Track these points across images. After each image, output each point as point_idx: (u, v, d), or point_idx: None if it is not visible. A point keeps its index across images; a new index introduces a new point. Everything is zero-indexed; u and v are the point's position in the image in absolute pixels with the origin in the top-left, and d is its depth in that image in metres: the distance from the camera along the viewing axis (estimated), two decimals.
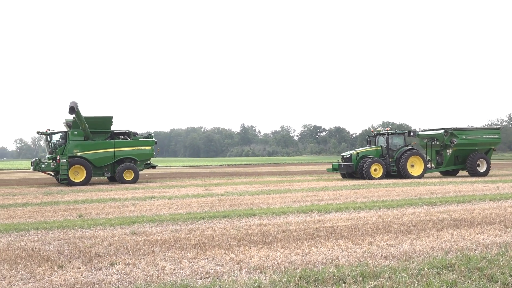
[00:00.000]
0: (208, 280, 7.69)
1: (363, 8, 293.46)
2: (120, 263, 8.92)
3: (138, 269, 8.47)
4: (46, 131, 32.59)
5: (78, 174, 31.58)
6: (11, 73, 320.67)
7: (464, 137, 34.87)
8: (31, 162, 32.97)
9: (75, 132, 32.20)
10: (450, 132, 34.74)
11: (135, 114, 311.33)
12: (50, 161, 31.65)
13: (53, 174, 32.63)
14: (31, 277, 8.13)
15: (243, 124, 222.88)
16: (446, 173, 36.80)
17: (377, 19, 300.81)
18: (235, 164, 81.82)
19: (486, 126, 37.98)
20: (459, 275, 7.59)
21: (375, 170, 32.63)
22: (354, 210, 16.07)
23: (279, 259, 8.98)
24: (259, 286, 7.21)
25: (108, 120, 33.31)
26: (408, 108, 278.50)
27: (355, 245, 10.22)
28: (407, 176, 32.94)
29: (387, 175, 33.52)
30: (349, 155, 34.13)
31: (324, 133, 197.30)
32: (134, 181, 32.76)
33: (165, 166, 77.57)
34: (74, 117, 31.42)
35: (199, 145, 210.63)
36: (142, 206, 18.41)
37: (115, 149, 32.98)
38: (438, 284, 7.17)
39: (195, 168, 71.71)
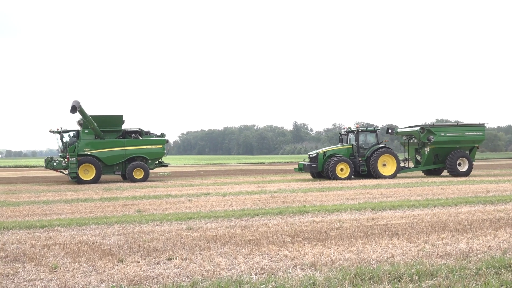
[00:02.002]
0: (263, 276, 7.81)
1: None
2: (177, 258, 9.15)
3: (194, 264, 8.68)
4: (57, 130, 32.97)
5: (88, 172, 31.75)
6: (32, 73, 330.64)
7: (442, 134, 32.95)
8: (44, 160, 33.73)
9: (86, 131, 32.46)
10: (427, 129, 32.93)
11: (190, 113, 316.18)
12: (62, 159, 32.03)
13: (66, 172, 32.70)
14: (93, 270, 8.46)
15: (295, 122, 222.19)
16: (429, 172, 34.76)
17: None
18: (287, 162, 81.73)
19: (469, 123, 35.01)
20: None
21: (342, 169, 30.82)
22: (408, 208, 15.89)
23: (333, 256, 9.02)
24: (314, 283, 7.27)
25: (118, 119, 33.47)
26: (463, 104, 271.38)
27: (410, 243, 10.14)
28: (378, 176, 31.16)
29: (357, 175, 32.04)
30: (316, 154, 32.21)
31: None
32: (144, 179, 32.61)
33: (219, 164, 78.45)
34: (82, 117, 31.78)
35: (252, 143, 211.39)
36: (197, 202, 18.74)
37: (126, 148, 33.00)
38: (497, 284, 7.07)
39: (248, 165, 72.14)
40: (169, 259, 9.06)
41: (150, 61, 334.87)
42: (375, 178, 31.04)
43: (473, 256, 8.75)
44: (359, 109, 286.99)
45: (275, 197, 20.04)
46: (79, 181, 31.40)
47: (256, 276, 7.81)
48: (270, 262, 8.77)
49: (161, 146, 34.06)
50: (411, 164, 35.77)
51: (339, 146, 32.98)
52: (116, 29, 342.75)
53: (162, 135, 34.96)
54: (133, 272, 8.16)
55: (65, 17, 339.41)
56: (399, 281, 7.34)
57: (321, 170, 31.59)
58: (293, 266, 8.39)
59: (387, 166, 31.78)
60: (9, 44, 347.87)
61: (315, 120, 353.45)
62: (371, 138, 32.52)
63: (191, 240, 10.87)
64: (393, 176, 31.56)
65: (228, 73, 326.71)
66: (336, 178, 30.35)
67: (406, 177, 32.25)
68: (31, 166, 73.47)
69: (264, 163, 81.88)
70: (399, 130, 36.20)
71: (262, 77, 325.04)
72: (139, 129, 34.30)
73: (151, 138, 34.19)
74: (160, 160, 35.09)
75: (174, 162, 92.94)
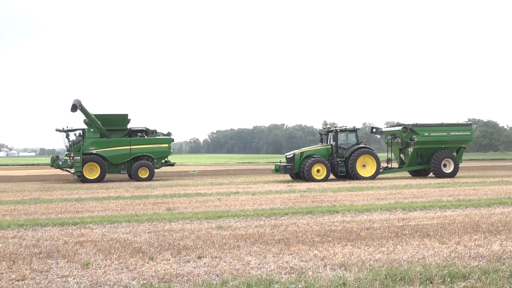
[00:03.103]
0: (293, 275, 7.80)
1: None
2: (207, 256, 9.20)
3: (224, 263, 8.71)
4: (63, 128, 33.09)
5: (93, 171, 31.78)
6: (42, 72, 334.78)
7: (426, 134, 31.78)
8: (50, 158, 33.95)
9: (91, 130, 32.51)
10: (410, 129, 31.81)
11: (220, 112, 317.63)
12: (67, 158, 32.19)
13: (72, 171, 32.59)
14: (124, 267, 8.56)
15: (325, 121, 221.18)
16: (416, 173, 33.60)
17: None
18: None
19: (456, 122, 33.62)
20: None
21: (318, 171, 29.53)
22: (439, 208, 15.69)
23: (364, 256, 8.96)
24: (344, 283, 7.23)
25: (124, 118, 33.45)
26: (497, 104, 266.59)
27: (442, 244, 10.01)
28: (357, 177, 29.81)
29: (339, 176, 31.13)
30: (292, 155, 30.84)
31: None
32: (149, 178, 32.43)
33: (248, 163, 78.55)
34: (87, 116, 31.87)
35: (281, 142, 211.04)
36: (227, 201, 18.80)
37: (131, 147, 32.93)
38: None
39: None
40: (199, 258, 9.11)
41: (181, 61, 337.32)
42: (354, 179, 29.85)
43: (507, 258, 8.59)
44: (389, 107, 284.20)
45: (304, 197, 19.99)
46: (83, 180, 31.46)
47: (285, 276, 7.80)
48: (300, 261, 8.75)
49: (166, 145, 33.87)
50: (396, 165, 34.73)
51: (317, 147, 31.67)
52: (139, 29, 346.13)
53: (168, 134, 34.83)
54: (164, 270, 8.23)
55: (78, 17, 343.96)
56: (431, 282, 7.26)
57: (297, 171, 30.39)
58: (323, 266, 8.35)
59: (366, 167, 30.46)
60: (31, 42, 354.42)
61: (345, 119, 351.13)
62: (350, 138, 31.17)
63: (220, 238, 10.91)
64: (372, 177, 30.16)
65: (258, 72, 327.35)
66: (312, 179, 29.06)
67: (389, 178, 31.24)
68: None
69: None
70: (383, 130, 35.08)
71: (292, 76, 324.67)
72: (145, 128, 34.27)
73: (156, 137, 34.08)
74: (166, 159, 34.90)
75: (203, 161, 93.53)
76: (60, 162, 32.33)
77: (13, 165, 75.64)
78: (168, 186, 27.49)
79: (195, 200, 19.35)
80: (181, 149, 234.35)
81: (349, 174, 30.23)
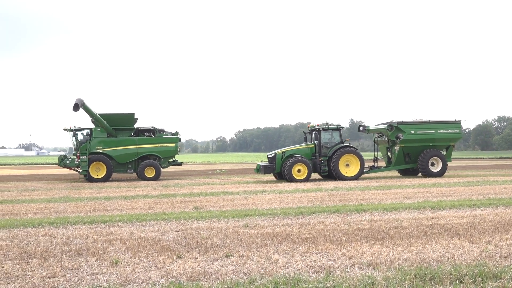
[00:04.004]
0: (321, 274, 7.77)
1: None
2: (235, 254, 9.23)
3: (252, 261, 8.72)
4: (70, 128, 33.08)
5: (99, 171, 31.81)
6: (53, 72, 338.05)
7: (412, 132, 30.77)
8: (58, 157, 34.09)
9: (98, 129, 32.52)
10: (396, 127, 30.82)
11: (247, 111, 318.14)
12: (75, 157, 32.22)
13: (80, 170, 32.45)
14: (152, 265, 8.62)
15: (351, 119, 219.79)
16: (405, 172, 32.63)
17: None
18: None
19: (444, 120, 32.16)
20: None
21: (299, 171, 28.75)
22: (469, 207, 15.47)
23: (392, 255, 8.88)
24: (372, 282, 7.18)
25: (130, 117, 33.37)
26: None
27: (472, 243, 9.87)
28: (340, 177, 28.89)
29: (325, 176, 30.24)
30: (273, 155, 29.99)
31: None
32: (155, 178, 32.25)
33: None
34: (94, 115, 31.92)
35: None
36: (253, 199, 18.82)
37: (138, 146, 32.82)
38: None
39: None
40: (227, 256, 9.14)
41: (209, 61, 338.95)
42: (337, 179, 29.05)
43: None
44: (417, 105, 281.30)
45: (331, 195, 19.90)
46: (90, 179, 31.51)
47: (313, 275, 7.78)
48: (328, 260, 8.71)
49: (173, 144, 33.70)
50: (384, 164, 33.88)
51: (300, 146, 30.94)
52: (154, 30, 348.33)
53: (176, 133, 34.74)
54: (192, 268, 8.27)
55: (96, 17, 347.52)
56: (461, 282, 7.16)
57: (279, 171, 29.63)
58: (351, 265, 8.30)
59: (350, 166, 29.56)
60: (59, 43, 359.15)
61: (372, 117, 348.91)
62: (334, 137, 30.31)
63: (248, 237, 10.92)
64: (356, 177, 29.27)
65: (284, 71, 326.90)
66: (292, 180, 28.35)
67: (377, 178, 30.58)
68: None
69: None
70: (370, 128, 34.13)
71: (319, 74, 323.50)
72: (152, 127, 34.18)
73: (163, 136, 33.95)
74: (173, 159, 34.77)
75: (230, 159, 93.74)
76: (68, 161, 32.54)
77: (43, 164, 76.85)
78: (195, 184, 27.63)
79: (222, 198, 19.41)
80: (208, 148, 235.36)
81: (332, 173, 29.45)
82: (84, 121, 32.80)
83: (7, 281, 7.76)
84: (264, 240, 10.50)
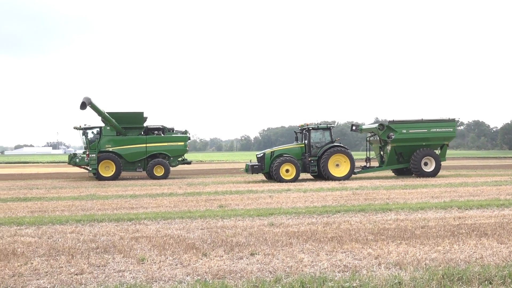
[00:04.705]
0: (347, 273, 7.73)
1: None
2: (260, 253, 9.23)
3: (277, 260, 8.71)
4: (80, 126, 33.16)
5: (108, 169, 31.92)
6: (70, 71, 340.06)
7: (404, 131, 29.86)
8: (68, 156, 34.21)
9: (108, 128, 32.64)
10: (387, 126, 29.99)
11: (271, 110, 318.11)
12: (84, 155, 32.32)
13: (89, 168, 32.58)
14: (178, 263, 8.67)
15: (376, 118, 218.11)
16: (399, 172, 31.78)
17: None
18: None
19: (437, 118, 31.20)
20: None
21: (287, 171, 28.14)
22: (497, 207, 15.24)
23: (419, 255, 8.79)
24: (399, 282, 7.11)
25: (139, 116, 33.35)
26: None
27: (501, 244, 9.72)
28: (329, 177, 28.21)
29: (316, 176, 29.66)
30: (262, 154, 29.49)
31: (462, 127, 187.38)
32: (164, 177, 32.34)
33: None
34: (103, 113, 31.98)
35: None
36: (278, 198, 18.81)
37: (147, 145, 32.89)
38: None
39: None
40: (252, 254, 9.14)
41: (233, 60, 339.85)
42: (326, 179, 28.44)
43: None
44: (443, 104, 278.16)
45: (356, 194, 19.78)
46: (99, 177, 31.67)
47: (339, 274, 7.74)
48: (354, 259, 8.66)
49: (182, 143, 33.73)
50: (377, 163, 33.14)
51: (290, 145, 30.28)
52: (176, 30, 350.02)
53: (185, 132, 34.67)
54: (217, 266, 8.30)
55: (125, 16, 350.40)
56: (490, 283, 7.06)
57: (268, 171, 29.18)
58: (377, 265, 8.24)
59: (340, 166, 28.87)
60: (86, 42, 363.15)
61: (398, 115, 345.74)
62: (324, 137, 29.56)
63: (273, 235, 10.92)
64: (346, 177, 28.55)
65: (309, 69, 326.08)
66: (280, 180, 27.87)
67: (370, 178, 29.99)
68: None
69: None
70: (363, 127, 33.46)
71: (344, 73, 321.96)
72: (162, 126, 34.22)
73: (172, 135, 33.99)
74: (183, 157, 34.81)
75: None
76: (78, 160, 32.65)
77: None
78: (220, 183, 27.71)
79: (247, 197, 19.43)
80: (232, 146, 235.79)
81: (321, 173, 28.88)
82: (97, 119, 32.77)
83: (36, 277, 7.88)
84: (289, 239, 10.49)
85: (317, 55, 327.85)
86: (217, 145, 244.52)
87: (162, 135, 33.97)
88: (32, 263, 8.69)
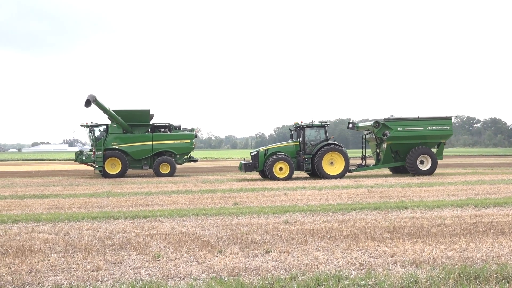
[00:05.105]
0: (362, 272, 7.69)
1: None
2: (275, 250, 9.22)
3: (292, 258, 8.70)
4: (86, 124, 33.30)
5: (114, 166, 32.04)
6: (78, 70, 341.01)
7: (400, 129, 29.54)
8: (75, 153, 34.48)
9: (115, 125, 32.74)
10: (382, 124, 29.72)
11: (286, 107, 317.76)
12: (91, 153, 32.47)
13: (95, 166, 32.67)
14: (193, 260, 8.69)
15: (392, 115, 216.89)
16: (396, 170, 31.50)
17: None
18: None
19: (434, 116, 30.59)
20: None
21: (281, 169, 27.95)
22: None
23: (435, 254, 8.73)
24: (415, 280, 7.07)
25: (145, 113, 33.39)
26: None
27: None
28: (323, 175, 28.04)
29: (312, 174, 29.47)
30: (256, 152, 29.28)
31: (478, 125, 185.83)
32: (170, 174, 32.44)
33: None
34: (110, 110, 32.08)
35: (347, 137, 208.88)
36: (293, 196, 18.79)
37: (153, 142, 32.96)
38: None
39: None
40: (267, 252, 9.14)
41: (249, 58, 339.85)
42: (321, 178, 28.19)
43: None
44: (459, 101, 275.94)
45: (372, 192, 19.70)
46: (105, 175, 31.81)
47: (355, 272, 7.71)
48: (369, 258, 8.62)
49: (189, 141, 33.78)
50: (373, 161, 32.79)
51: (285, 143, 30.13)
52: (190, 33, 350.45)
53: (191, 130, 34.67)
54: (232, 264, 8.31)
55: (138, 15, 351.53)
56: (508, 282, 6.99)
57: (262, 169, 29.04)
58: (393, 263, 8.20)
59: (334, 164, 28.63)
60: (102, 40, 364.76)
61: (412, 112, 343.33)
62: (319, 134, 29.33)
63: (288, 233, 10.90)
64: (340, 176, 28.36)
65: (323, 67, 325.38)
66: (274, 178, 27.69)
67: (365, 176, 29.56)
68: None
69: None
70: (360, 125, 32.90)
71: (360, 71, 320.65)
72: (168, 123, 34.27)
73: (179, 133, 34.04)
74: (189, 155, 34.85)
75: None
76: (84, 157, 32.93)
77: None
78: (235, 180, 27.75)
79: (262, 194, 19.43)
80: (247, 144, 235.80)
81: (316, 171, 28.74)
82: (104, 117, 32.93)
83: (53, 273, 7.94)
84: (304, 237, 10.47)
85: (332, 53, 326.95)
86: (232, 143, 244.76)
87: (169, 132, 34.10)
88: (48, 260, 8.76)
